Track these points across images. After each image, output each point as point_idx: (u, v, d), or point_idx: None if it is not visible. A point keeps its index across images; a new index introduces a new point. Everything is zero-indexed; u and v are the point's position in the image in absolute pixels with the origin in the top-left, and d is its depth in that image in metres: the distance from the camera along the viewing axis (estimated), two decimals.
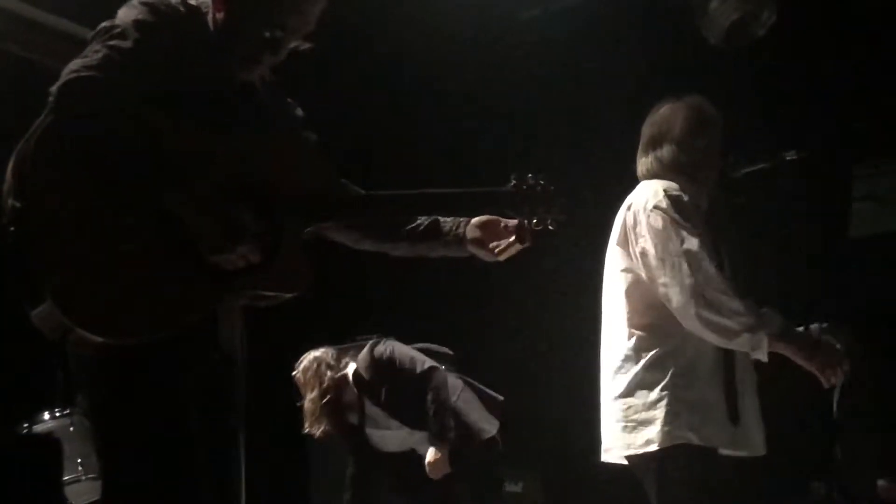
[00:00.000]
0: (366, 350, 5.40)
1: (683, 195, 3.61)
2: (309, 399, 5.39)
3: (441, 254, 2.95)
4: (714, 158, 3.77)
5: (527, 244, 2.81)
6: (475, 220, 2.88)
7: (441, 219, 2.91)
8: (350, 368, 5.43)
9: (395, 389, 5.31)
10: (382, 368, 5.33)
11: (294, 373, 5.49)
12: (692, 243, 3.48)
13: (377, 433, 5.45)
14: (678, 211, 3.55)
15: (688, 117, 3.77)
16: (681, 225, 3.52)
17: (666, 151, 3.75)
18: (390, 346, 5.38)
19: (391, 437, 5.43)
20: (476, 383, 5.46)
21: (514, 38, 6.83)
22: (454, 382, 5.35)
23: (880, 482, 5.63)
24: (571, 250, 3.31)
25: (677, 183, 3.68)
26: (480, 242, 2.87)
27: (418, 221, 2.92)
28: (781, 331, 3.44)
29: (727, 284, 3.44)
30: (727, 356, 3.56)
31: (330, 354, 5.48)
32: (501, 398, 5.47)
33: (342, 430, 5.48)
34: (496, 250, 2.85)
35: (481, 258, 2.90)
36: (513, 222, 2.82)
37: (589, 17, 6.60)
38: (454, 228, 2.89)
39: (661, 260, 3.52)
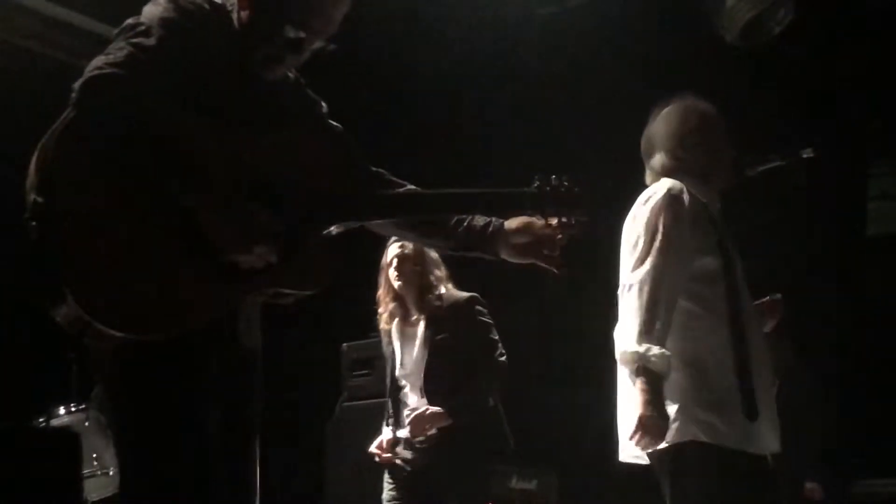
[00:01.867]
0: (467, 295, 5.04)
1: (684, 194, 3.60)
2: (399, 291, 4.99)
3: (469, 255, 2.93)
4: (716, 155, 3.75)
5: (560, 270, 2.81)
6: (509, 223, 2.86)
7: (472, 220, 2.88)
8: (441, 290, 5.03)
9: (451, 347, 4.93)
10: (467, 322, 4.97)
11: (398, 246, 4.97)
12: (655, 263, 3.49)
13: (400, 372, 5.09)
14: (669, 214, 3.55)
15: (671, 121, 3.78)
16: (659, 235, 3.53)
17: (656, 160, 3.77)
18: (490, 317, 5.07)
19: (409, 389, 5.05)
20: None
21: (530, 34, 6.84)
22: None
23: (808, 484, 5.61)
24: (589, 249, 3.32)
25: (683, 182, 3.67)
26: (514, 248, 2.86)
27: (448, 223, 2.89)
28: (648, 382, 3.40)
29: (655, 319, 3.44)
30: (740, 352, 3.55)
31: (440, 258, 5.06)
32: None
33: (387, 337, 5.13)
34: (535, 257, 2.84)
35: (512, 262, 2.89)
36: (543, 224, 2.80)
37: (605, 13, 6.60)
38: (485, 232, 2.86)
39: (630, 267, 3.56)
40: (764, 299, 3.81)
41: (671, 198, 3.59)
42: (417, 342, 4.99)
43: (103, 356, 2.54)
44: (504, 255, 2.87)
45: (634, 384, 3.44)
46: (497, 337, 5.05)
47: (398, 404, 5.05)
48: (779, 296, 3.72)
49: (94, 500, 5.41)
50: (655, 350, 3.42)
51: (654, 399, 3.40)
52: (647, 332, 3.44)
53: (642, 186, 3.87)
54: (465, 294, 5.06)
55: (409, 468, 4.97)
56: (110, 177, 2.40)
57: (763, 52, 6.03)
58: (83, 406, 5.65)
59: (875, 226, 6.27)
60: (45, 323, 2.49)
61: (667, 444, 3.48)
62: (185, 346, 2.45)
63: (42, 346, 5.11)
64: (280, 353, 4.74)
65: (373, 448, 5.06)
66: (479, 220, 2.87)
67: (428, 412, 4.83)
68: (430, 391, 4.92)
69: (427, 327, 4.97)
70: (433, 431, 4.85)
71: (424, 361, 4.95)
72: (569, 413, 6.67)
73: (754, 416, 3.49)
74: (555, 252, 2.80)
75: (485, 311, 5.07)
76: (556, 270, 2.83)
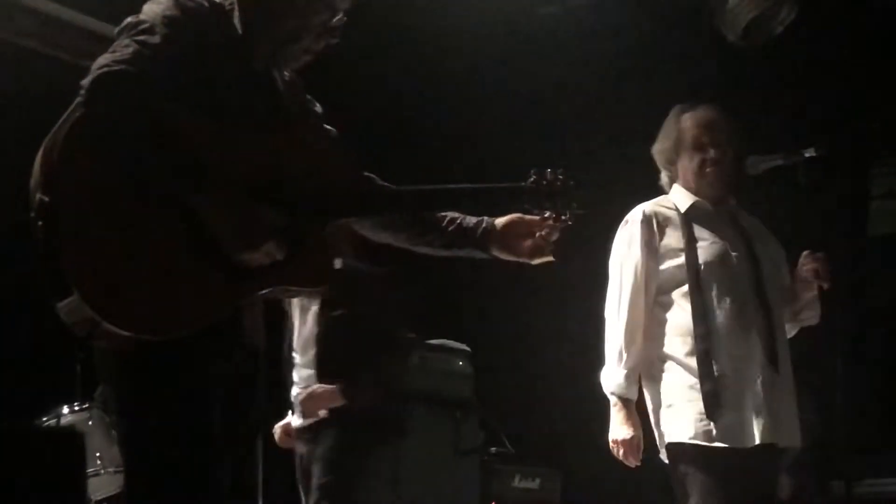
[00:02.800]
0: (371, 268, 4.69)
1: (636, 222, 3.87)
2: None
3: (461, 255, 2.94)
4: (700, 162, 3.89)
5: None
6: (499, 220, 2.87)
7: (463, 220, 2.89)
8: (336, 263, 4.71)
9: (348, 323, 4.57)
10: (368, 297, 4.66)
11: None
12: (613, 298, 3.85)
13: (295, 348, 4.72)
14: (625, 245, 3.87)
15: (660, 137, 4.00)
16: (616, 269, 3.87)
17: (661, 177, 4.03)
18: (397, 294, 4.82)
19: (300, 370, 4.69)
20: None
21: (531, 34, 6.83)
22: None
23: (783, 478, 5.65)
24: (595, 250, 3.41)
25: (679, 195, 3.92)
26: (506, 244, 2.87)
27: (440, 223, 2.90)
28: (617, 399, 3.79)
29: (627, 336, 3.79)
30: (705, 346, 3.71)
31: None
32: None
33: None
34: (528, 252, 2.85)
35: (505, 259, 2.90)
36: (534, 219, 2.82)
37: (606, 13, 6.59)
38: (476, 230, 2.87)
39: (609, 293, 3.90)
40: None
41: (626, 227, 3.91)
42: (310, 317, 4.67)
43: (108, 356, 2.54)
44: (496, 253, 2.88)
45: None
46: (401, 314, 4.87)
47: (288, 385, 4.71)
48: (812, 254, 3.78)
49: (98, 498, 5.40)
50: (612, 379, 3.79)
51: (620, 421, 3.78)
52: (610, 362, 3.82)
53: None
54: (368, 267, 4.73)
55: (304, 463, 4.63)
56: (117, 175, 2.40)
57: (766, 51, 6.02)
58: (86, 405, 5.65)
59: (877, 225, 6.27)
60: (47, 322, 2.48)
61: (664, 447, 3.77)
62: (190, 346, 2.44)
63: (45, 346, 5.11)
64: (281, 354, 4.74)
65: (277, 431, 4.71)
66: (471, 219, 2.89)
67: (319, 390, 4.49)
68: (322, 369, 4.58)
69: (322, 302, 4.59)
70: (324, 413, 4.50)
71: (315, 338, 4.62)
72: (572, 412, 6.66)
73: (712, 415, 3.65)
74: (547, 243, 2.81)
75: (387, 286, 4.81)
76: (550, 259, 2.84)
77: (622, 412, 3.77)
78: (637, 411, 3.82)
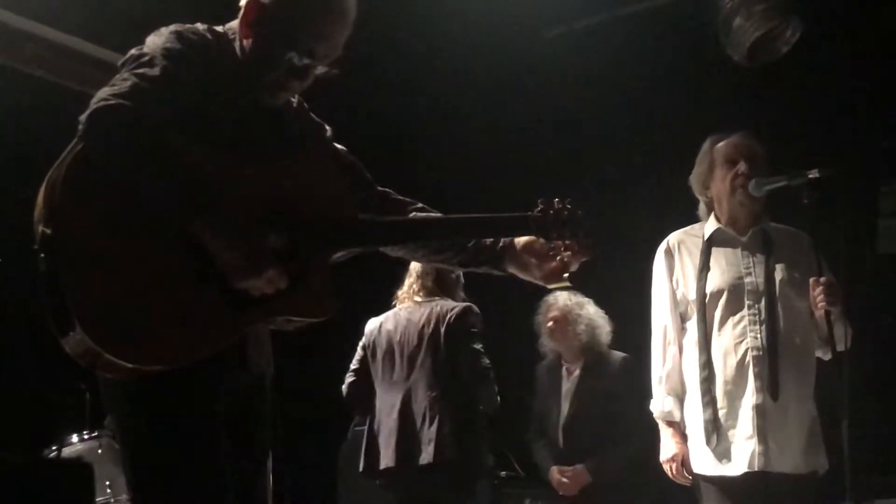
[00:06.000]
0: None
1: (661, 253, 4.02)
2: None
3: (479, 271, 2.95)
4: (719, 189, 3.95)
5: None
6: (518, 239, 2.87)
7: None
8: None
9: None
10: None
11: None
12: (652, 324, 4.01)
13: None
14: (654, 275, 4.03)
15: (696, 161, 4.06)
16: (652, 298, 4.02)
17: (701, 206, 4.10)
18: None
19: None
20: None
21: (537, 56, 6.84)
22: None
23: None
24: (608, 275, 3.41)
25: (710, 221, 3.99)
26: (522, 264, 2.87)
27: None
28: (660, 421, 3.98)
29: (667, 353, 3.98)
30: (705, 374, 3.80)
31: None
32: None
33: None
34: (544, 275, 2.86)
35: (521, 278, 2.91)
36: (548, 244, 2.82)
37: (613, 34, 6.60)
38: (494, 247, 2.88)
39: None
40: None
41: (656, 258, 4.04)
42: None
43: (112, 386, 2.54)
44: (512, 271, 2.90)
45: None
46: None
47: None
48: (817, 280, 3.70)
49: None
50: (654, 402, 3.98)
51: (664, 441, 3.95)
52: (654, 386, 3.99)
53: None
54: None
55: None
56: (118, 208, 2.41)
57: (772, 70, 6.02)
58: (96, 434, 5.66)
59: (885, 243, 6.25)
60: (58, 351, 2.49)
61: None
62: (193, 375, 2.44)
63: (56, 374, 5.13)
64: (293, 377, 4.74)
65: None
66: (486, 240, 2.89)
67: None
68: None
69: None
70: None
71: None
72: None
73: (709, 443, 3.76)
74: (559, 271, 2.82)
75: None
76: (567, 285, 2.86)
77: (666, 432, 3.94)
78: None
